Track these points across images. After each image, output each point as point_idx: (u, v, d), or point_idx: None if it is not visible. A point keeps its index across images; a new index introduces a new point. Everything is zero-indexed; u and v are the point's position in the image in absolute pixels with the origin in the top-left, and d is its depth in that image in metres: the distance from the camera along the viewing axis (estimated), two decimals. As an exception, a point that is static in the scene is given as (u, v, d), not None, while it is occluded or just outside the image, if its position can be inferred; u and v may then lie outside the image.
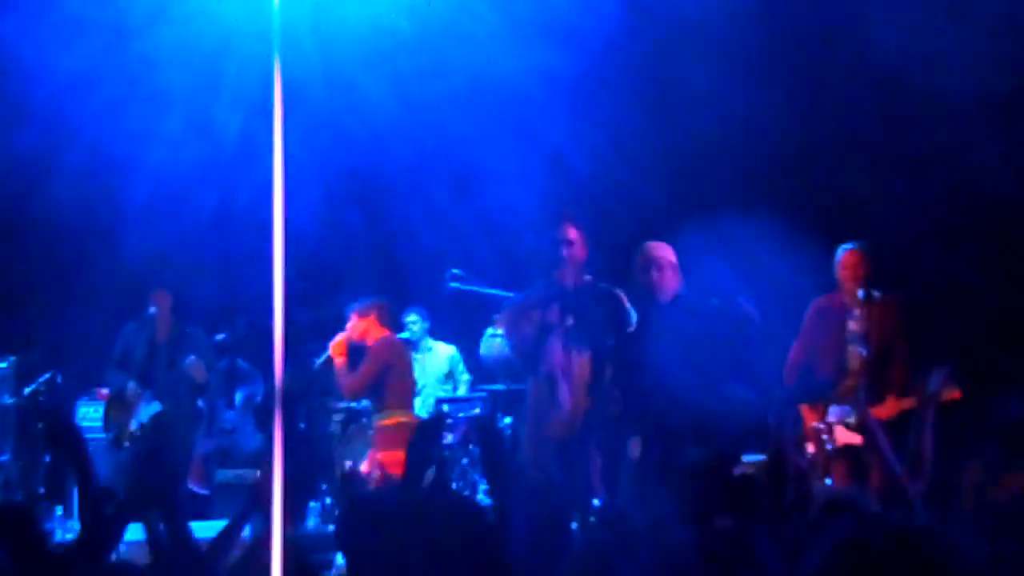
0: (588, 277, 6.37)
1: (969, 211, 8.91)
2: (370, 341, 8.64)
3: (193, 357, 8.95)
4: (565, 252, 6.23)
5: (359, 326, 8.69)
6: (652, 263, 6.48)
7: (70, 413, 9.47)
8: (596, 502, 5.82)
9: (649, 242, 6.63)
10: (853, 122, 9.29)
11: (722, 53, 9.15)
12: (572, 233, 6.25)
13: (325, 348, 8.84)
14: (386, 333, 8.74)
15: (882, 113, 9.23)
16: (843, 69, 9.23)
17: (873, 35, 8.62)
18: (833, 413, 7.56)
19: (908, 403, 7.51)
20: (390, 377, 8.56)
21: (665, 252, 6.55)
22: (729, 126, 9.37)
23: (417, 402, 9.55)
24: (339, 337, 8.64)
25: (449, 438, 8.59)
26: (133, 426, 8.93)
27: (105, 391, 9.32)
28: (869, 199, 8.95)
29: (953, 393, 7.43)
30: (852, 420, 7.46)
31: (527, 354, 6.27)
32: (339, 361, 8.59)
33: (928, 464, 4.88)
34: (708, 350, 6.24)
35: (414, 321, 9.93)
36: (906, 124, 9.12)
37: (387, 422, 8.43)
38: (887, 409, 7.50)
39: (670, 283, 6.48)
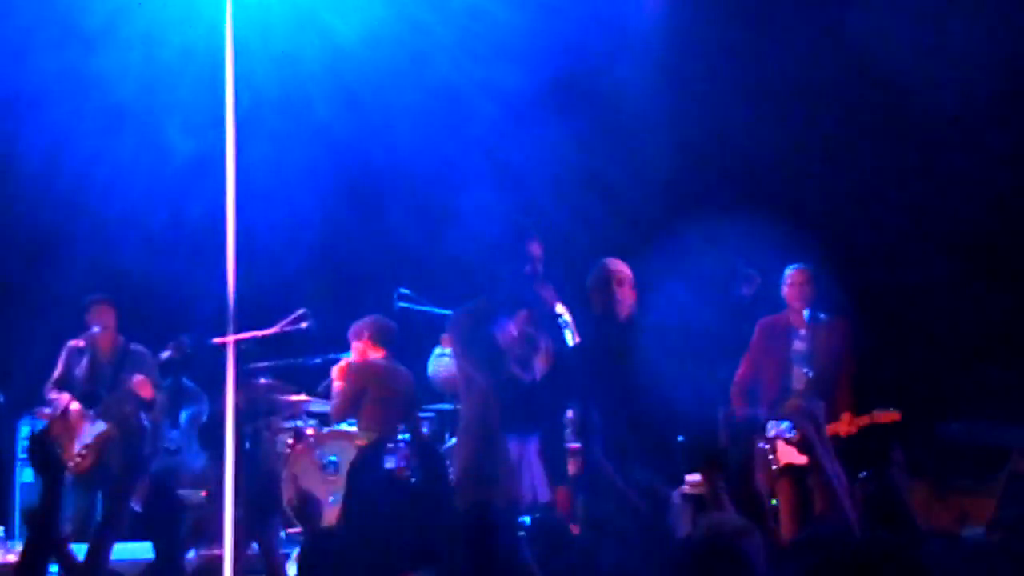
0: (550, 286, 6.35)
1: (938, 224, 9.04)
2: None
3: (139, 375, 8.83)
4: (529, 268, 6.20)
5: (356, 347, 8.73)
6: (611, 278, 6.45)
7: (13, 433, 9.36)
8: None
9: (607, 258, 6.62)
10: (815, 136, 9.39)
11: (690, 65, 9.27)
12: (536, 249, 6.23)
13: (270, 366, 8.82)
14: (381, 353, 8.74)
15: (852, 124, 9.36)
16: (811, 79, 9.34)
17: (861, 40, 8.73)
18: (772, 428, 7.59)
19: (865, 420, 7.57)
20: (364, 400, 8.58)
21: (623, 268, 6.53)
22: (691, 139, 9.46)
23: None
24: (341, 362, 8.66)
25: (391, 462, 8.55)
26: (77, 447, 8.78)
27: (47, 411, 9.18)
28: (830, 213, 9.06)
29: (892, 415, 7.51)
30: (792, 437, 7.50)
31: (488, 358, 6.18)
32: (335, 385, 8.61)
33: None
34: (668, 368, 6.23)
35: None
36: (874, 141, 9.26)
37: (359, 443, 8.46)
38: (845, 425, 7.55)
39: (628, 299, 6.46)
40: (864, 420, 7.55)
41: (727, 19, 9.34)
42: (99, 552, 4.13)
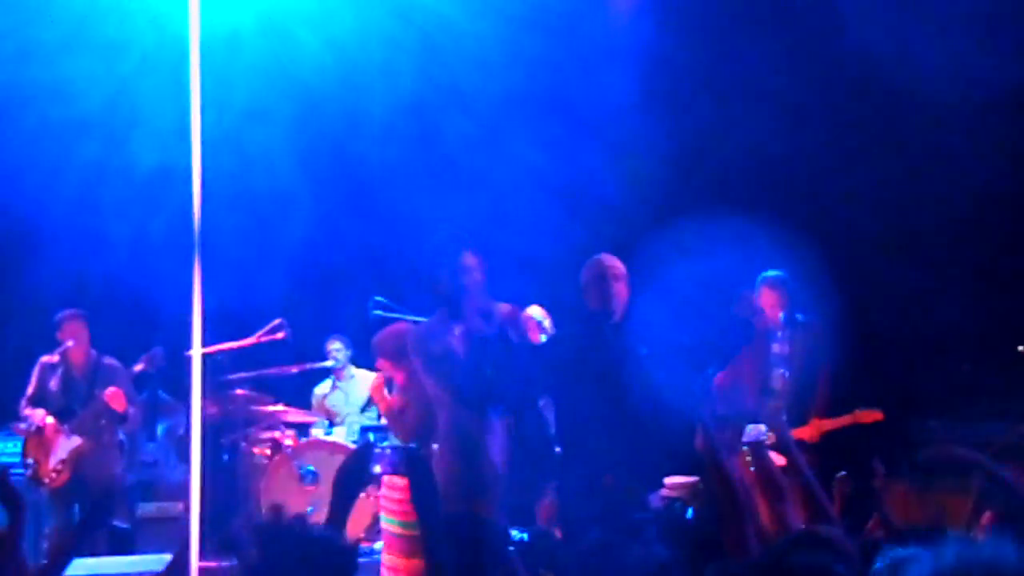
0: (491, 300, 6.26)
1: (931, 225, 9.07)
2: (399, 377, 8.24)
3: (112, 388, 8.76)
4: (465, 280, 6.11)
5: (383, 364, 8.53)
6: (606, 273, 6.41)
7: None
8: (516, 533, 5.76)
9: (600, 254, 6.57)
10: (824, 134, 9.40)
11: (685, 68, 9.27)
12: (470, 260, 6.14)
13: (246, 377, 8.79)
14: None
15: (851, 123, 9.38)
16: (809, 79, 9.35)
17: (851, 45, 8.75)
18: (749, 434, 7.59)
19: (831, 424, 7.61)
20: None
21: (617, 263, 6.49)
22: (674, 146, 9.46)
23: (340, 431, 9.47)
24: (375, 381, 8.36)
25: (377, 468, 8.48)
26: (52, 463, 8.72)
27: (23, 426, 9.12)
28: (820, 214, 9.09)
29: (875, 415, 7.54)
30: (767, 440, 7.51)
31: (443, 371, 6.13)
32: (383, 406, 8.15)
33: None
34: (662, 370, 6.20)
35: (338, 349, 9.85)
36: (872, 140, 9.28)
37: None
38: (810, 431, 7.59)
39: (622, 294, 6.42)
40: (845, 420, 7.59)
41: (712, 21, 9.33)
42: (58, 563, 4.05)
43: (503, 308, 6.12)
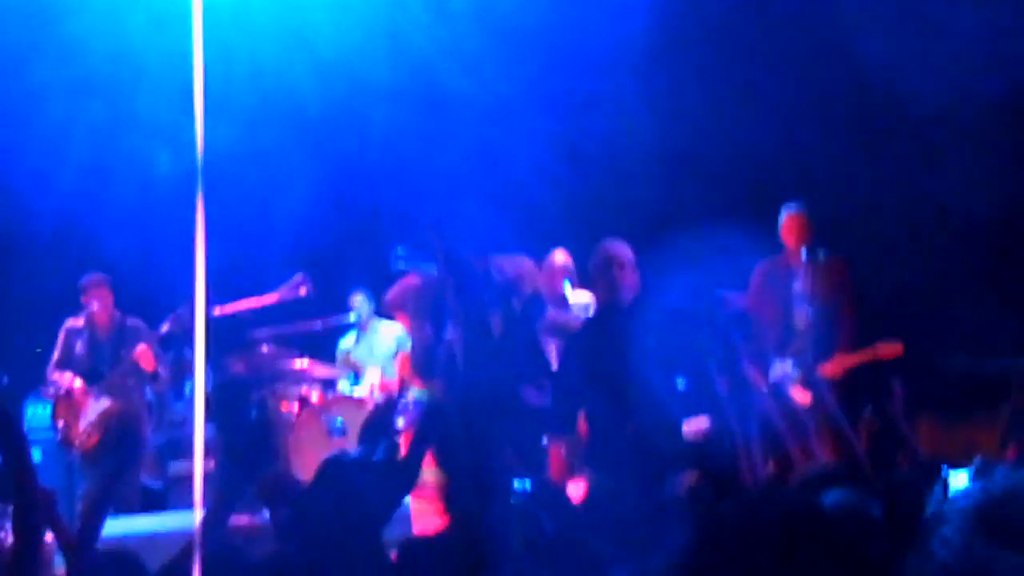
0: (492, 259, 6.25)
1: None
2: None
3: (142, 345, 8.80)
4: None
5: (402, 319, 8.55)
6: (612, 261, 6.36)
7: (18, 414, 9.36)
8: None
9: (607, 241, 6.52)
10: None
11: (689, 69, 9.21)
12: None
13: (270, 334, 8.82)
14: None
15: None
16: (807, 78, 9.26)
17: (854, 46, 8.65)
18: (776, 370, 7.55)
19: (854, 359, 7.55)
20: None
21: (624, 250, 6.45)
22: (678, 146, 9.41)
23: (363, 383, 9.49)
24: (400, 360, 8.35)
25: (400, 422, 8.53)
26: (82, 425, 8.79)
27: (51, 391, 9.19)
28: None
29: (895, 348, 7.49)
30: (796, 377, 7.46)
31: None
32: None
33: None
34: (670, 355, 6.15)
35: (361, 302, 9.85)
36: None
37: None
38: (833, 367, 7.54)
39: (630, 281, 6.38)
40: (867, 355, 7.53)
41: (717, 22, 9.22)
42: (92, 524, 4.08)
43: (509, 266, 6.10)
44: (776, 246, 7.89)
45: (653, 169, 9.52)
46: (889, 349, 7.50)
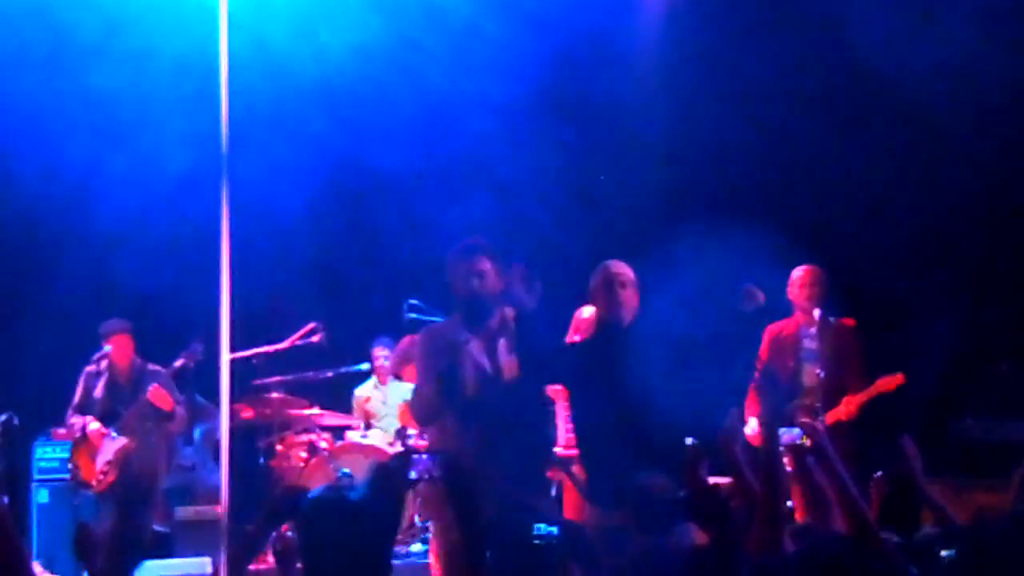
0: (508, 309, 6.21)
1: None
2: None
3: (155, 385, 8.79)
4: (477, 284, 6.08)
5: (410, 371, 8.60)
6: (614, 280, 6.38)
7: (28, 455, 9.39)
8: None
9: (609, 260, 6.55)
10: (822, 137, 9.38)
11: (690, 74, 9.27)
12: (484, 264, 6.11)
13: (281, 381, 8.83)
14: None
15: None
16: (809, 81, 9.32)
17: (854, 47, 8.72)
18: (784, 437, 7.53)
19: (862, 398, 7.56)
20: None
21: (626, 270, 6.46)
22: (683, 148, 9.45)
23: (377, 433, 9.48)
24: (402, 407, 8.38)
25: (413, 474, 8.51)
26: (99, 464, 8.80)
27: (63, 431, 9.20)
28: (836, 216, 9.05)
29: (897, 379, 7.49)
30: (806, 443, 7.43)
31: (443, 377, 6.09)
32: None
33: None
34: (675, 371, 6.14)
35: (384, 355, 9.84)
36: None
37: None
38: (846, 410, 7.55)
39: (631, 301, 6.39)
40: (871, 391, 7.54)
41: (719, 25, 9.31)
42: (119, 561, 4.04)
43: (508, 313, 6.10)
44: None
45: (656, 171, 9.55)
46: (891, 381, 7.52)
